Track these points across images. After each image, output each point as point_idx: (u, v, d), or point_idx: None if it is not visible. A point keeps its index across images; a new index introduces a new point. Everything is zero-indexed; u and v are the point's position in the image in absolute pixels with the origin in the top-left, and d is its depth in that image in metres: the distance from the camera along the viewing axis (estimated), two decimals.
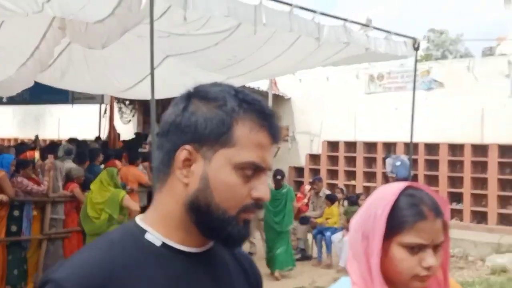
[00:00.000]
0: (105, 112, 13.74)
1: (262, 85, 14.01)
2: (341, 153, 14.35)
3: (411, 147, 9.28)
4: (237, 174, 1.11)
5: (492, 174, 12.07)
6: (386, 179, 10.95)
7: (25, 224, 7.03)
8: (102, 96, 12.31)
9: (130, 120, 15.98)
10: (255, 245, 9.73)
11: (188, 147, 1.12)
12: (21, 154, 9.99)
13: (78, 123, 16.54)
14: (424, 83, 13.26)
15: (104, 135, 13.47)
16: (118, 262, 1.08)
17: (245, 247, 8.01)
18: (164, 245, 1.13)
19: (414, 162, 12.13)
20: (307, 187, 11.36)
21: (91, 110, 14.67)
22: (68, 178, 7.68)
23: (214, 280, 1.18)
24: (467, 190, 12.26)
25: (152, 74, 5.16)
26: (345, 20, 7.16)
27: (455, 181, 12.64)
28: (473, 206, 12.19)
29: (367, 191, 13.48)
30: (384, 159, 12.76)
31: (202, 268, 1.16)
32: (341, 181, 13.98)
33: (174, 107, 1.17)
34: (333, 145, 14.63)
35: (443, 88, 13.18)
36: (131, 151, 10.09)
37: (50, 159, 7.63)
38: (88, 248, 1.15)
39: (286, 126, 14.96)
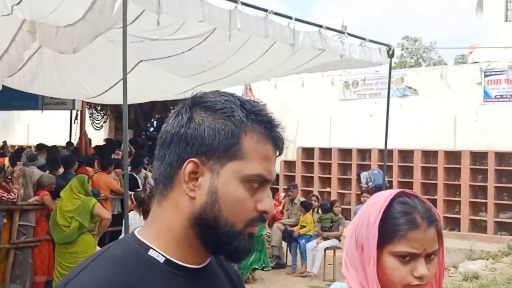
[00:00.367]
0: (76, 118, 13.49)
1: (236, 91, 13.94)
2: (316, 159, 14.36)
3: (385, 154, 9.33)
4: (244, 187, 1.09)
5: (465, 181, 12.20)
6: (361, 192, 10.97)
7: None
8: (73, 101, 12.06)
9: (102, 126, 15.74)
10: None
11: (195, 160, 1.08)
12: None
13: (48, 129, 16.22)
14: (398, 90, 13.37)
15: (75, 141, 13.23)
16: (123, 282, 1.03)
17: None
18: (166, 261, 1.09)
19: (389, 169, 12.19)
20: (282, 194, 11.31)
21: (62, 115, 14.40)
22: (39, 185, 7.49)
23: None
24: (440, 196, 12.36)
25: (124, 79, 5.06)
26: (320, 26, 7.16)
27: (428, 188, 12.74)
28: (446, 213, 12.28)
29: (342, 197, 13.52)
30: (358, 175, 12.86)
31: (203, 284, 1.14)
32: (316, 188, 13.99)
33: (177, 117, 1.12)
34: (308, 152, 14.63)
35: (417, 95, 13.31)
36: (103, 158, 9.91)
37: (19, 166, 7.43)
38: (91, 268, 1.05)
39: None
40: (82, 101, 11.98)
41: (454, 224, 12.34)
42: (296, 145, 14.75)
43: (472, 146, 12.27)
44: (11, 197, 6.95)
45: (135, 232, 1.13)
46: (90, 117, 15.12)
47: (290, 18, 6.68)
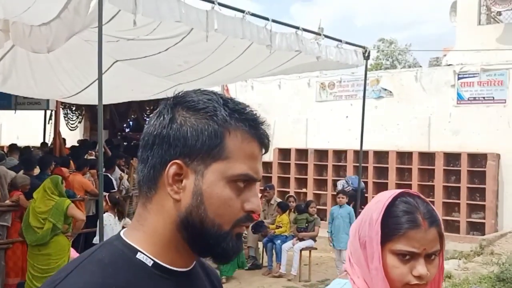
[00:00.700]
0: (50, 118, 13.31)
1: None
2: (293, 160, 14.41)
3: (360, 155, 9.42)
4: (230, 188, 1.06)
5: (438, 182, 12.37)
6: (337, 192, 11.06)
7: None
8: (48, 101, 11.91)
9: (77, 127, 15.55)
10: None
11: (178, 161, 1.05)
12: None
13: (21, 129, 15.98)
14: (374, 91, 13.50)
15: (49, 142, 13.05)
16: (113, 285, 1.00)
17: None
18: (155, 265, 1.07)
19: (364, 170, 12.29)
20: (259, 196, 11.31)
21: (36, 115, 14.19)
22: (13, 186, 7.37)
23: None
24: None
25: (100, 79, 5.01)
26: (297, 28, 7.18)
27: (403, 189, 12.83)
28: None
29: (318, 198, 13.60)
30: (334, 183, 12.97)
31: (190, 287, 1.13)
32: (292, 189, 14.04)
33: (158, 117, 1.09)
34: (284, 153, 14.67)
35: (392, 97, 13.46)
36: (77, 158, 9.80)
37: None
38: (79, 272, 1.02)
39: None
40: (57, 101, 11.84)
41: None
42: (273, 146, 14.78)
43: (446, 147, 12.45)
44: None
45: (121, 234, 1.11)
46: (64, 117, 14.95)
47: (267, 19, 6.69)
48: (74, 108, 15.14)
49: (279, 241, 9.40)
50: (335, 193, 11.62)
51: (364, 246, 1.44)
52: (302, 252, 9.18)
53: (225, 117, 1.06)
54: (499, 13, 13.35)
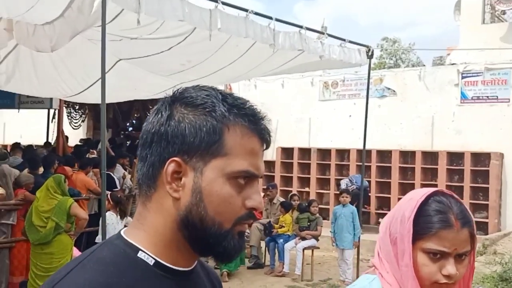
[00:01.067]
0: (53, 117, 13.33)
1: None
2: (296, 159, 14.40)
3: (363, 154, 9.40)
4: (230, 185, 1.04)
5: (441, 181, 12.34)
6: (340, 192, 11.06)
7: None
8: (51, 100, 11.92)
9: (80, 125, 15.57)
10: None
11: (177, 159, 1.03)
12: None
13: (25, 128, 16.00)
14: (377, 91, 13.47)
15: (52, 140, 13.08)
16: (115, 284, 0.99)
17: None
18: (156, 264, 1.05)
19: (367, 169, 12.28)
20: (261, 193, 11.30)
21: (39, 114, 14.22)
22: (17, 184, 7.38)
23: None
24: None
25: (103, 78, 5.01)
26: (300, 27, 7.17)
27: (406, 188, 12.82)
28: None
29: (321, 197, 13.59)
30: (337, 182, 12.97)
31: (191, 287, 1.11)
32: (295, 188, 14.02)
33: (156, 115, 1.07)
34: (287, 152, 14.66)
35: (396, 96, 13.44)
36: (80, 157, 9.82)
37: None
38: (79, 270, 1.01)
39: None
40: (60, 100, 11.85)
41: None
42: (276, 145, 14.77)
43: (449, 146, 12.43)
44: None
45: (122, 233, 1.09)
46: (68, 116, 14.96)
47: (270, 18, 6.69)
48: (77, 107, 15.15)
49: (281, 240, 9.40)
50: (338, 192, 11.62)
51: (394, 243, 1.45)
52: (305, 251, 9.18)
53: (223, 113, 1.04)
54: (503, 12, 13.31)
